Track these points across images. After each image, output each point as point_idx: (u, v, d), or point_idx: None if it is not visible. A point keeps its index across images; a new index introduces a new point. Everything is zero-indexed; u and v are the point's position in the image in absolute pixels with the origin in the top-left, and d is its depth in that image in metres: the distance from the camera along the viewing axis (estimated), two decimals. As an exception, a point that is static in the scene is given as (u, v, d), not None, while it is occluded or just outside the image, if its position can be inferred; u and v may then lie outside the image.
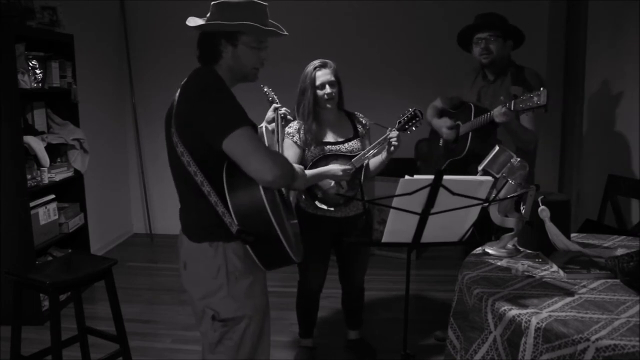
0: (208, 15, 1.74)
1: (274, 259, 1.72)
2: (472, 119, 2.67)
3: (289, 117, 2.55)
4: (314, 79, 2.51)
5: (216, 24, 1.68)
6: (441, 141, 2.98)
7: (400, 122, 2.50)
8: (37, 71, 3.48)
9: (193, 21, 1.75)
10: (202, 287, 1.75)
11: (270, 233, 1.63)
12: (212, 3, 1.72)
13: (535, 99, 2.25)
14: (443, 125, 2.89)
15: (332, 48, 4.31)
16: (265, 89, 2.55)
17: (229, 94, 1.67)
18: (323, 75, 2.51)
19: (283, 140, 2.52)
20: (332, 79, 2.52)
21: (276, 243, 1.64)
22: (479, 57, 2.74)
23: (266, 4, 1.75)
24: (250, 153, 1.59)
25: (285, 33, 1.79)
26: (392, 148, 2.46)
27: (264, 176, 1.59)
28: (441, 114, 3.04)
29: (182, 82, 1.77)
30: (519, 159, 1.97)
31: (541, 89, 2.25)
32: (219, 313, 1.73)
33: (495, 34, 2.67)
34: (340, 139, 2.60)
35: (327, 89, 2.51)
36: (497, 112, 2.45)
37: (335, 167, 2.45)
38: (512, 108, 2.38)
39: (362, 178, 2.53)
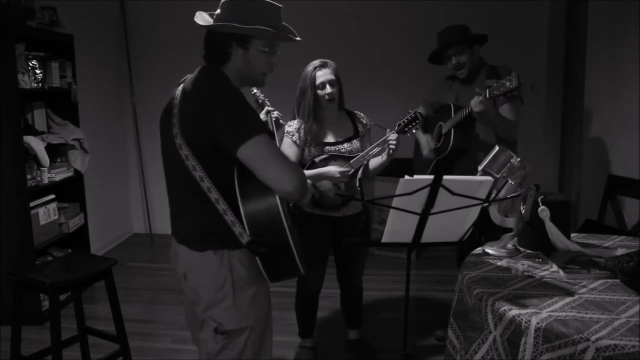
0: (218, 12, 1.64)
1: (282, 271, 1.66)
2: (452, 117, 2.80)
3: (281, 121, 2.53)
4: (314, 79, 2.51)
5: (229, 25, 1.57)
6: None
7: (400, 124, 2.50)
8: (37, 71, 3.48)
9: (201, 17, 1.67)
10: (206, 297, 1.67)
11: (282, 244, 1.57)
12: (223, 0, 1.63)
13: (508, 83, 2.40)
14: (425, 144, 3.02)
15: (332, 48, 4.30)
16: (254, 91, 2.54)
17: (242, 99, 1.58)
18: (323, 75, 2.50)
19: (279, 139, 2.51)
20: (333, 78, 2.51)
21: (287, 255, 1.59)
22: (455, 73, 2.87)
23: (281, 6, 1.66)
24: (269, 162, 1.51)
25: (298, 38, 1.70)
26: (391, 151, 2.46)
27: (283, 186, 1.51)
28: (424, 119, 3.12)
29: (186, 80, 1.68)
30: (519, 159, 1.97)
31: (512, 73, 2.40)
32: (222, 325, 1.66)
33: (460, 47, 2.78)
34: (340, 139, 2.60)
35: (328, 89, 2.50)
36: (475, 102, 2.57)
37: (333, 169, 2.45)
38: (487, 96, 2.51)
39: (360, 177, 2.53)
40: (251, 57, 1.64)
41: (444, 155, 2.84)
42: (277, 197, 1.57)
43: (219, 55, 1.65)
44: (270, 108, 2.40)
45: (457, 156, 2.80)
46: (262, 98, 2.47)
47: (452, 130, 2.78)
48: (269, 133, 1.59)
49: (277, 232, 1.56)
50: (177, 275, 1.80)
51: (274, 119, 2.41)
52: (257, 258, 1.60)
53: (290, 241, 1.57)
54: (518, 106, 2.77)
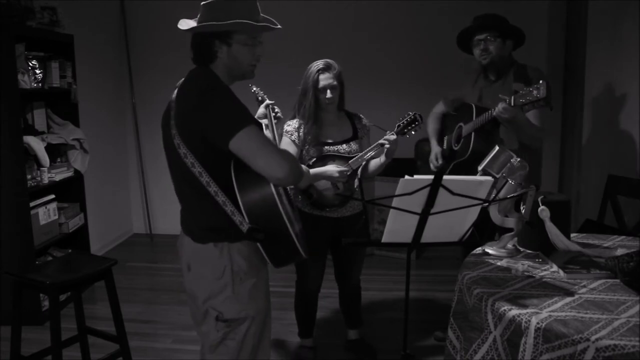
0: (199, 16, 1.72)
1: (284, 256, 1.73)
2: (473, 119, 2.65)
3: (279, 115, 2.53)
4: (316, 82, 2.50)
5: (207, 25, 1.67)
6: (445, 144, 2.97)
7: (399, 125, 2.49)
8: (37, 71, 3.48)
9: (185, 23, 1.75)
10: (206, 288, 1.74)
11: (280, 229, 1.63)
12: (202, 3, 1.71)
13: (535, 92, 2.24)
14: (434, 155, 2.93)
15: (333, 48, 4.31)
16: (254, 89, 2.54)
17: (229, 94, 1.67)
18: (325, 80, 2.50)
19: (279, 134, 2.50)
20: (334, 83, 2.51)
21: (286, 239, 1.65)
22: (479, 59, 2.72)
23: None
24: (257, 151, 1.59)
25: (279, 26, 1.77)
26: (386, 149, 2.45)
27: (274, 173, 1.59)
28: (443, 118, 3.03)
29: (179, 83, 1.76)
30: (519, 159, 1.97)
31: (540, 81, 2.23)
32: (223, 313, 1.73)
33: (493, 35, 2.64)
34: (339, 140, 2.60)
35: (328, 94, 2.50)
36: (499, 110, 2.42)
37: (331, 169, 2.45)
38: (512, 103, 2.36)
39: (359, 177, 2.52)
40: (235, 51, 1.71)
41: (462, 160, 2.68)
42: (272, 186, 1.63)
43: (205, 55, 1.73)
44: (270, 102, 2.38)
45: (477, 161, 2.62)
46: (262, 95, 2.47)
47: (473, 133, 2.62)
48: (258, 124, 1.66)
49: (274, 219, 1.63)
50: (181, 265, 1.86)
51: (274, 114, 2.40)
52: (258, 244, 1.66)
53: (288, 226, 1.63)
54: (547, 113, 2.63)
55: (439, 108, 3.03)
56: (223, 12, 1.65)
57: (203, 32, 1.69)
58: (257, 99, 2.47)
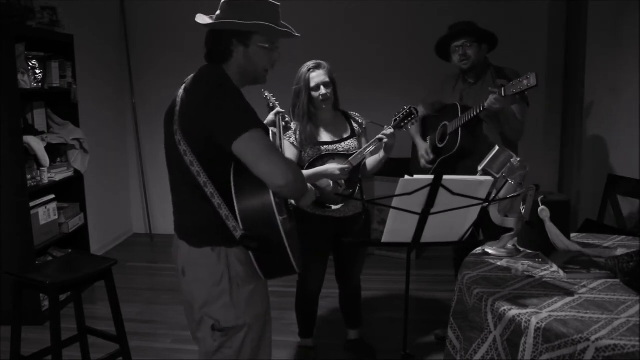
0: (218, 12, 1.68)
1: (276, 268, 1.67)
2: (459, 116, 2.77)
3: (289, 125, 2.53)
4: (308, 81, 2.51)
5: (229, 22, 1.62)
6: (428, 140, 3.06)
7: (395, 119, 2.51)
8: (37, 71, 3.48)
9: (202, 19, 1.70)
10: (202, 294, 1.69)
11: (275, 240, 1.58)
12: (222, 1, 1.67)
13: (525, 82, 2.36)
14: (424, 150, 3.03)
15: (330, 48, 4.31)
16: (266, 94, 2.55)
17: (239, 95, 1.62)
18: (317, 77, 2.51)
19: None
20: (327, 79, 2.52)
21: (281, 251, 1.59)
22: (459, 64, 2.84)
23: (279, 4, 1.70)
24: (261, 156, 1.54)
25: (297, 35, 1.74)
26: (384, 144, 2.46)
27: (275, 180, 1.54)
28: (423, 120, 3.13)
29: (188, 79, 1.72)
30: (519, 159, 1.97)
31: (529, 72, 2.35)
32: (220, 322, 1.68)
33: (470, 40, 2.76)
34: (336, 139, 2.60)
35: (322, 90, 2.51)
36: (490, 101, 2.52)
37: (332, 166, 2.45)
38: (503, 94, 2.48)
39: (359, 176, 2.53)
40: (252, 53, 1.67)
41: (449, 155, 2.80)
42: (272, 195, 1.58)
43: (220, 53, 1.68)
44: (281, 110, 2.38)
45: (462, 157, 2.77)
46: (274, 101, 2.47)
47: (460, 129, 2.76)
48: (265, 128, 1.61)
49: (270, 229, 1.58)
50: (177, 270, 1.82)
51: (283, 123, 2.40)
52: (250, 253, 1.61)
53: (284, 238, 1.58)
54: (524, 109, 2.76)
55: (420, 111, 3.09)
56: (246, 12, 1.61)
57: (222, 29, 1.65)
58: (269, 105, 2.46)
